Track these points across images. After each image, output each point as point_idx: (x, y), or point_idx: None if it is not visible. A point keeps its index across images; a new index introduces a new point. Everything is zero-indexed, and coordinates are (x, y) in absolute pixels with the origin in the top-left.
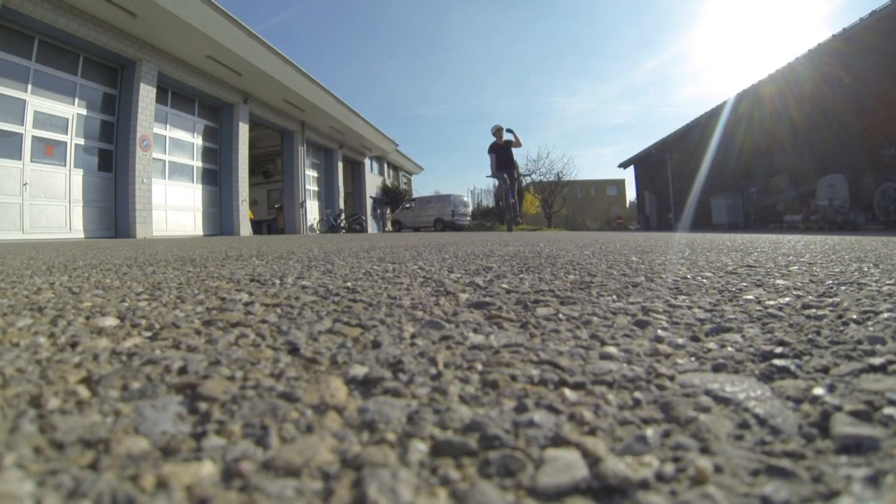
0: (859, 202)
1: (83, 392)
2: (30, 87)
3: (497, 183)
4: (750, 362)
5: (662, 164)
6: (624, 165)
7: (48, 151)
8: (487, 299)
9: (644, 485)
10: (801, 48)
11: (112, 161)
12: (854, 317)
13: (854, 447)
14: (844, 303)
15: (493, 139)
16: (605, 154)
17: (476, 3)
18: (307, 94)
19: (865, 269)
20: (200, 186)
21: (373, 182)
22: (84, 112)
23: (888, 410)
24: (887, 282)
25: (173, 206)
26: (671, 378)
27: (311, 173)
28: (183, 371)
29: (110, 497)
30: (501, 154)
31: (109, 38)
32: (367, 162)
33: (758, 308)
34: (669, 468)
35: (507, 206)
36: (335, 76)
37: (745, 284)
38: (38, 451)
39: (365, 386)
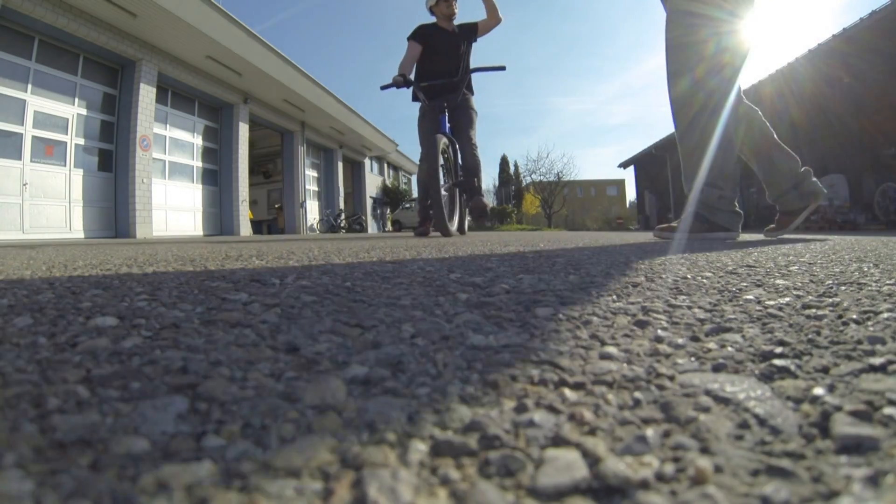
0: (859, 202)
1: (83, 392)
2: (30, 87)
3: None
4: (750, 362)
5: (662, 164)
6: (624, 165)
7: (48, 151)
8: (487, 299)
9: (644, 485)
10: (802, 48)
11: (112, 161)
12: (854, 317)
13: (854, 447)
14: (844, 303)
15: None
16: (605, 154)
17: (475, 3)
18: (307, 94)
19: (865, 269)
20: (200, 186)
21: (373, 182)
22: (84, 112)
23: (888, 410)
24: (887, 282)
25: (173, 206)
26: (671, 378)
27: (311, 173)
28: (183, 371)
29: (110, 497)
30: (434, 51)
31: (109, 38)
32: (367, 162)
33: (758, 308)
34: (669, 468)
35: (434, 200)
36: (335, 76)
37: (745, 284)
38: (38, 451)
39: (365, 386)
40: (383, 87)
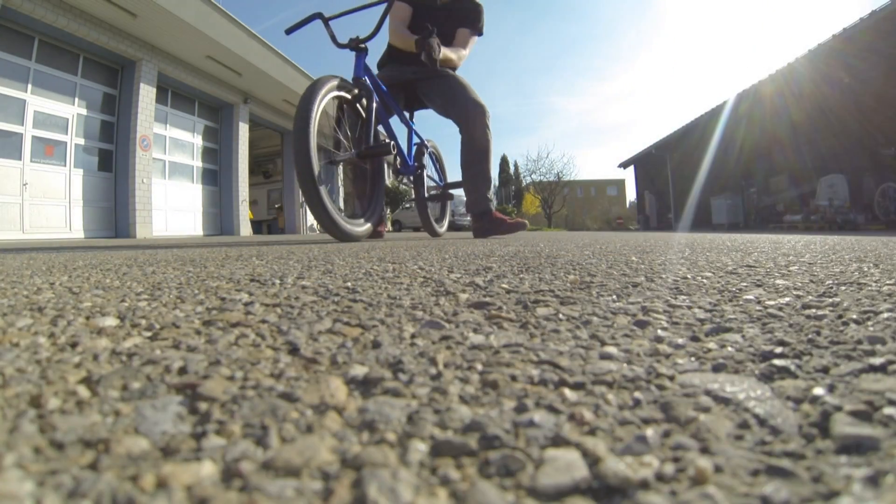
0: (859, 202)
1: (83, 392)
2: (30, 87)
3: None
4: (750, 362)
5: (662, 164)
6: (624, 165)
7: (48, 151)
8: (487, 299)
9: (644, 485)
10: (802, 48)
11: (112, 161)
12: (854, 317)
13: (854, 447)
14: (844, 303)
15: None
16: (605, 154)
17: None
18: None
19: (865, 269)
20: (200, 186)
21: None
22: (84, 112)
23: (888, 410)
24: (887, 282)
25: (173, 206)
26: (671, 378)
27: None
28: (183, 371)
29: (110, 497)
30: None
31: (109, 38)
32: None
33: (758, 308)
34: (669, 468)
35: (308, 195)
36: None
37: (745, 284)
38: (38, 451)
39: (365, 386)
40: (289, 31)
